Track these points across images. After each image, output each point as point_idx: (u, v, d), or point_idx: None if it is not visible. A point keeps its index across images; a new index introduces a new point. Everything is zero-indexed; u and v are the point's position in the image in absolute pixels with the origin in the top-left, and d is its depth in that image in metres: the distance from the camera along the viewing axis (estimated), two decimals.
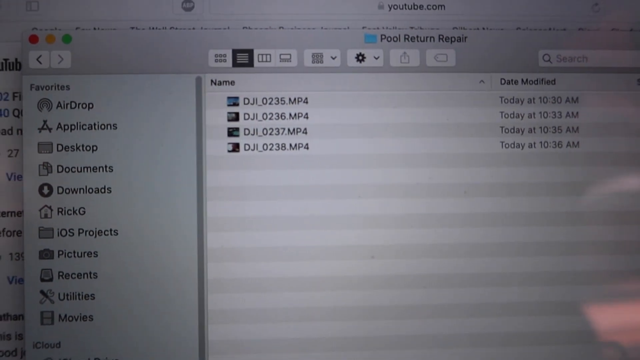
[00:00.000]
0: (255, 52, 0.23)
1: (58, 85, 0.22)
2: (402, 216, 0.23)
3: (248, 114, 0.23)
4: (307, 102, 0.23)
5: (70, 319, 0.22)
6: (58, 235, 0.22)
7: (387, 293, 0.23)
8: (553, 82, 0.24)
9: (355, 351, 0.23)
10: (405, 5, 0.24)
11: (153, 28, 0.23)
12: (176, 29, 0.23)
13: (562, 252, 0.23)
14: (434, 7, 0.24)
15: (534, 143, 0.23)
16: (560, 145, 0.24)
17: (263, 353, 0.23)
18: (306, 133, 0.23)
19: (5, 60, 0.23)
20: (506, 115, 0.23)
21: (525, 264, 0.23)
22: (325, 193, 0.23)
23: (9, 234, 0.22)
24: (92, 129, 0.23)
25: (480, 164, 0.23)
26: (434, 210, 0.23)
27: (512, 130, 0.23)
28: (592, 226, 0.24)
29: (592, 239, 0.24)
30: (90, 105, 0.23)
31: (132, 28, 0.23)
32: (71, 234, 0.22)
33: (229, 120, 0.23)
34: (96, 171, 0.22)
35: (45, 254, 0.22)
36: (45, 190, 0.22)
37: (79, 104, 0.22)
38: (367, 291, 0.23)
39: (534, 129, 0.24)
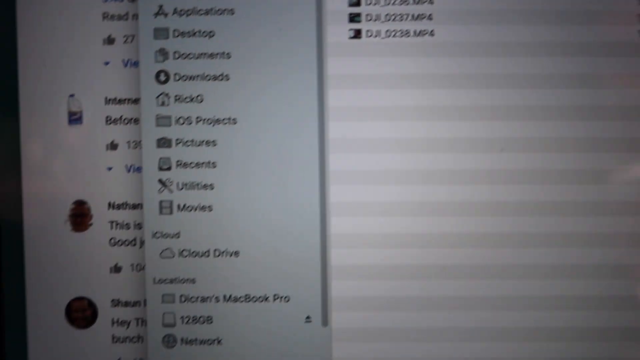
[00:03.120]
0: None
1: None
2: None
3: None
4: None
5: (189, 208, 0.22)
6: (176, 123, 0.22)
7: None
8: None
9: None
10: None
11: None
12: None
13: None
14: None
15: None
16: None
17: (382, 247, 0.22)
18: (431, 19, 0.22)
19: None
20: None
21: None
22: (450, 82, 0.22)
23: (126, 121, 0.22)
24: (208, 14, 0.22)
25: None
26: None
27: None
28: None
29: None
30: None
31: None
32: (189, 122, 0.22)
33: (350, 5, 0.22)
34: (214, 58, 0.22)
35: (163, 143, 0.22)
36: (162, 77, 0.22)
37: None
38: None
39: None
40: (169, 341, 0.22)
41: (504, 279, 0.22)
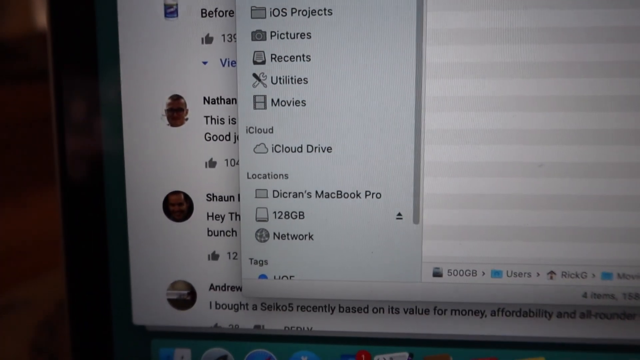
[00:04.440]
0: None
1: None
2: None
3: None
4: None
5: (283, 103, 0.22)
6: (270, 15, 0.21)
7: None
8: None
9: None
10: None
11: None
12: None
13: None
14: None
15: None
16: None
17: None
18: None
19: None
20: None
21: None
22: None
23: (221, 14, 0.22)
24: None
25: None
26: None
27: None
28: None
29: None
30: None
31: None
32: (284, 14, 0.21)
33: None
34: None
35: (258, 36, 0.22)
36: None
37: None
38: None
39: None
40: (262, 235, 0.23)
41: (603, 178, 0.21)
